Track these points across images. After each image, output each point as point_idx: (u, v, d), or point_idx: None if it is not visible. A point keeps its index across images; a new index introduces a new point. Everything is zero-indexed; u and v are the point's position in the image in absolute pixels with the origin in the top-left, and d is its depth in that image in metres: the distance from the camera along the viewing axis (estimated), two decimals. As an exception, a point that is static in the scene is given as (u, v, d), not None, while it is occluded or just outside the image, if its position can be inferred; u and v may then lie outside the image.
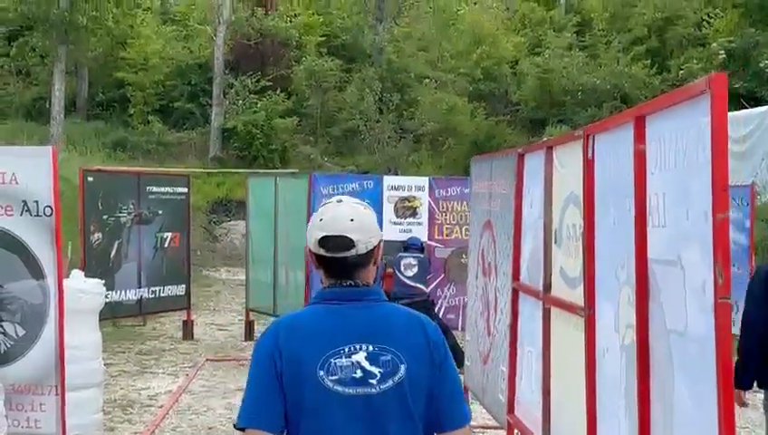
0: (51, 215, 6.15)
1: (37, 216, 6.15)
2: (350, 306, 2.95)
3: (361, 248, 2.95)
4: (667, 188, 3.61)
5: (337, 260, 2.95)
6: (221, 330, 14.52)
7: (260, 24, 31.08)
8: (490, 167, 7.81)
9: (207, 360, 11.78)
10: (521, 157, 6.75)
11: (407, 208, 12.28)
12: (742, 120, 19.93)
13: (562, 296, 5.37)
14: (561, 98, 30.73)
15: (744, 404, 6.24)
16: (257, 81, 29.82)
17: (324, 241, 2.93)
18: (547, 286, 5.74)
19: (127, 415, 9.28)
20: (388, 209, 12.25)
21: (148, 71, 31.41)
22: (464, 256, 12.20)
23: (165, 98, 31.60)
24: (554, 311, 5.59)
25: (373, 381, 2.85)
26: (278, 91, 29.75)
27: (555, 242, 5.65)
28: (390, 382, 2.86)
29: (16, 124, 30.16)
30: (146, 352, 12.39)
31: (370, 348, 2.87)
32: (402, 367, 2.87)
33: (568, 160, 5.35)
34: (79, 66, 32.05)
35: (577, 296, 4.95)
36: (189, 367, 11.45)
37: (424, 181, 12.43)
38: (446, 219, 12.25)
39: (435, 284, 12.23)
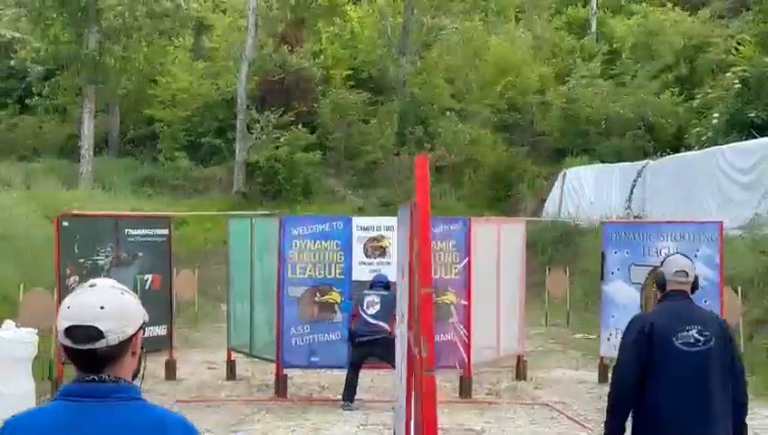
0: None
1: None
2: (90, 404, 2.71)
3: (112, 339, 2.71)
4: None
5: (83, 352, 2.71)
6: (210, 368, 14.74)
7: (284, 60, 31.52)
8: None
9: (177, 401, 11.99)
10: (413, 206, 6.89)
11: (375, 248, 12.40)
12: (748, 151, 19.76)
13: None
14: (585, 127, 30.65)
15: None
16: (281, 115, 30.23)
17: (69, 331, 2.69)
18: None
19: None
20: (358, 250, 12.39)
21: (177, 107, 32.04)
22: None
23: (192, 134, 32.18)
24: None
25: None
26: (302, 126, 30.15)
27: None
28: None
29: (49, 162, 30.91)
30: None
31: None
32: None
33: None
34: (110, 104, 32.78)
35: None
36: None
37: (393, 221, 12.52)
38: (415, 259, 12.33)
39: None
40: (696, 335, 5.16)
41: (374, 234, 12.41)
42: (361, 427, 10.59)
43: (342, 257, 12.33)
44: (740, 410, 5.21)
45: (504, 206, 28.35)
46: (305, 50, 32.86)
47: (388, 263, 12.43)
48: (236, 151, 30.06)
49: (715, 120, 23.63)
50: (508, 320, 13.39)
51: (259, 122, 30.31)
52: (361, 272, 12.42)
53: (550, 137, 31.66)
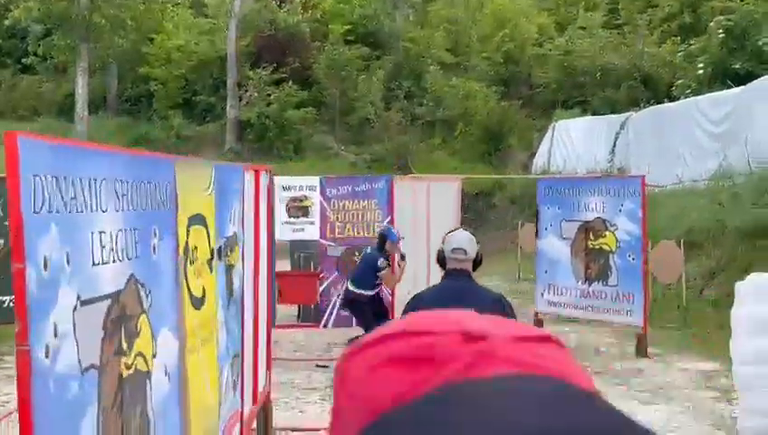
0: None
1: None
2: None
3: None
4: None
5: None
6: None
7: (274, 16, 31.39)
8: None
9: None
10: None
11: (298, 208, 12.40)
12: (720, 101, 19.46)
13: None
14: (581, 79, 30.27)
15: None
16: (272, 72, 30.17)
17: None
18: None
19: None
20: (281, 209, 12.39)
21: (172, 65, 32.04)
22: (356, 253, 12.34)
23: (188, 92, 32.21)
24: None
25: None
26: (296, 82, 30.07)
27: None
28: None
29: (46, 122, 31.19)
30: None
31: None
32: None
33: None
34: (107, 63, 32.88)
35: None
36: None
37: (315, 181, 12.52)
38: (337, 218, 12.33)
39: (329, 281, 12.34)
40: None
41: (296, 194, 12.39)
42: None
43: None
44: None
45: (493, 160, 28.17)
46: (296, 4, 32.63)
47: (312, 223, 12.44)
48: (227, 109, 30.07)
49: (699, 72, 23.21)
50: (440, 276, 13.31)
51: (251, 79, 30.27)
52: (284, 232, 12.44)
53: (546, 90, 31.30)
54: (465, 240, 5.21)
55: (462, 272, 5.18)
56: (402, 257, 11.52)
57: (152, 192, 4.44)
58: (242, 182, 6.65)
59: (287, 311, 14.61)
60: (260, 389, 8.02)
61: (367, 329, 10.23)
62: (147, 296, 4.31)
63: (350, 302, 11.50)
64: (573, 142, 26.10)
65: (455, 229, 5.59)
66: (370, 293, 11.39)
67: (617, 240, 12.37)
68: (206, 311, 5.47)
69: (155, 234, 4.46)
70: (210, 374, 5.58)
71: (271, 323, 8.83)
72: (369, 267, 11.42)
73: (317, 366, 11.40)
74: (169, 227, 4.71)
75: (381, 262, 11.38)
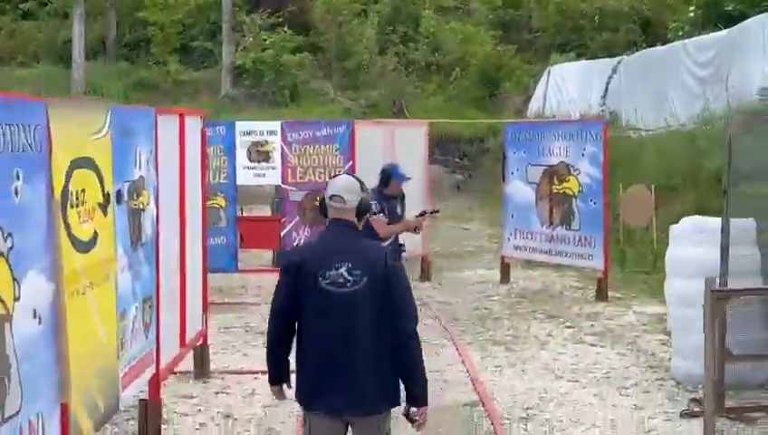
0: None
1: None
2: None
3: None
4: None
5: None
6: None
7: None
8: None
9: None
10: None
11: (260, 153, 12.43)
12: (707, 44, 19.25)
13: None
14: (580, 22, 29.90)
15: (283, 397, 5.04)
16: (269, 17, 30.00)
17: None
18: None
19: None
20: (242, 154, 12.42)
21: (169, 9, 31.85)
22: (318, 198, 12.35)
23: (185, 37, 32.09)
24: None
25: None
26: (293, 27, 29.87)
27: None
28: None
29: (46, 68, 31.20)
30: None
31: None
32: None
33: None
34: (105, 8, 32.75)
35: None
36: None
37: (276, 126, 12.53)
38: (299, 163, 12.34)
39: (290, 226, 12.40)
40: (346, 274, 4.51)
41: (257, 138, 12.42)
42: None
43: (226, 162, 12.38)
44: (402, 356, 4.55)
45: (489, 105, 28.01)
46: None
47: (273, 168, 12.48)
48: (223, 54, 29.99)
49: (691, 14, 22.92)
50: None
51: (247, 24, 30.14)
52: (246, 177, 12.49)
53: (545, 34, 30.96)
54: (343, 186, 4.73)
55: (343, 222, 4.69)
56: (423, 214, 9.83)
57: (14, 135, 4.47)
58: (153, 126, 6.66)
59: (265, 256, 14.72)
60: (191, 332, 8.12)
61: None
62: (5, 240, 4.36)
63: None
64: (568, 87, 25.89)
65: (339, 174, 5.38)
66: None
67: (579, 184, 12.34)
68: (98, 254, 5.52)
69: (18, 177, 4.50)
70: (105, 317, 5.64)
71: (206, 267, 8.90)
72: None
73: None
74: (40, 170, 4.75)
75: (375, 206, 9.26)
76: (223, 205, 12.40)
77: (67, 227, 5.05)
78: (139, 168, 6.39)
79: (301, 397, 4.70)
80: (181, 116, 7.65)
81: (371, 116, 24.73)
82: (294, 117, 22.01)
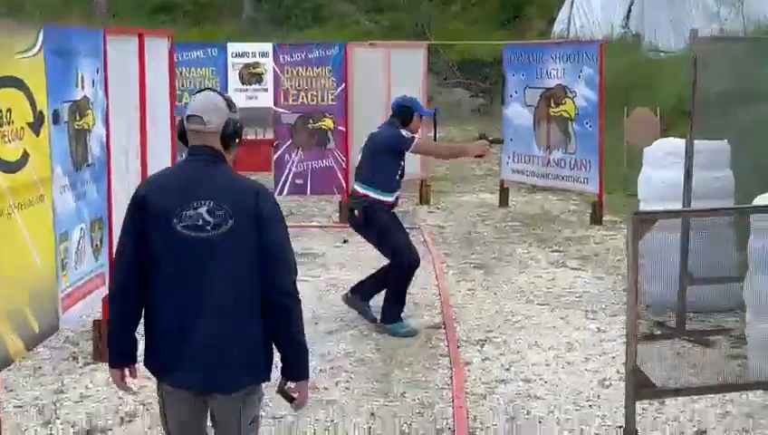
0: None
1: None
2: None
3: None
4: None
5: None
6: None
7: None
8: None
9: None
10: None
11: (252, 75, 12.35)
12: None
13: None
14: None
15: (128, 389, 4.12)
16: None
17: None
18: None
19: None
20: (234, 77, 12.35)
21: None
22: (310, 121, 12.30)
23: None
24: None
25: None
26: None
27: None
28: None
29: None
30: None
31: None
32: None
33: None
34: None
35: None
36: None
37: (268, 47, 12.41)
38: (291, 85, 12.22)
39: (283, 149, 12.34)
40: (206, 215, 3.63)
41: (249, 60, 12.32)
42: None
43: (218, 84, 12.31)
44: (277, 318, 3.70)
45: (512, 28, 27.55)
46: None
47: (265, 90, 12.41)
48: (245, -26, 29.73)
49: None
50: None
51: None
52: (238, 99, 12.34)
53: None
54: (202, 103, 3.76)
55: (206, 149, 3.75)
56: (484, 138, 8.22)
57: None
58: (99, 47, 6.58)
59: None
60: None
61: (395, 253, 7.63)
62: None
63: (364, 214, 7.66)
64: (592, 8, 25.36)
65: (204, 89, 4.08)
66: (390, 199, 7.70)
67: (575, 107, 12.13)
68: (28, 174, 5.51)
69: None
70: (39, 239, 5.64)
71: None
72: (388, 155, 7.67)
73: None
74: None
75: (406, 133, 7.74)
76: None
77: (-13, 147, 5.03)
78: (82, 88, 6.33)
79: (150, 366, 3.81)
80: (140, 36, 7.54)
81: (393, 38, 24.43)
82: (315, 40, 21.85)
